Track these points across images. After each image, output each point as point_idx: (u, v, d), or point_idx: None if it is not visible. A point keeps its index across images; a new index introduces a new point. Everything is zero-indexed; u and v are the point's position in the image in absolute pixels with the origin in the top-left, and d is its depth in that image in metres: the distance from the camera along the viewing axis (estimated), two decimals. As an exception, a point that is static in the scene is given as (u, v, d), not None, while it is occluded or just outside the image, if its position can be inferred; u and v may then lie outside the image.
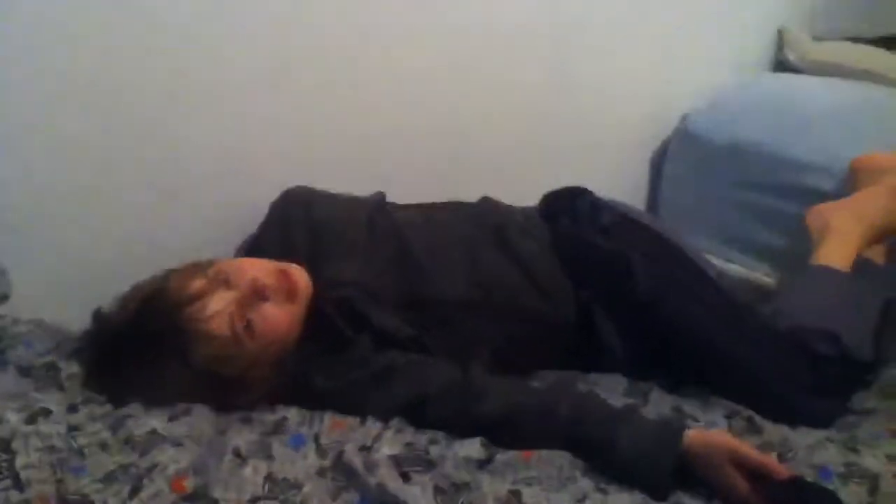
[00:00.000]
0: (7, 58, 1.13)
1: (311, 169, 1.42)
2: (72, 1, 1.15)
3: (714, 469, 0.89)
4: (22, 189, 1.19)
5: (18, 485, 0.75)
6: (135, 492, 0.80)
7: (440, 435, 0.99)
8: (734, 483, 0.87)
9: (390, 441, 0.96)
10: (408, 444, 0.96)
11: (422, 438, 0.98)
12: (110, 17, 1.20)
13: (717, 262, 1.48)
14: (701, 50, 1.98)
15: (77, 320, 1.11)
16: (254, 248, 1.25)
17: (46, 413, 0.83)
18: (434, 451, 0.94)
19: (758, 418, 1.05)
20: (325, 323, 1.12)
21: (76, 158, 1.23)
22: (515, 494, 0.88)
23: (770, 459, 0.91)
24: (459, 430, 0.99)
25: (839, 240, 1.36)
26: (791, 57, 2.09)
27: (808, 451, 0.97)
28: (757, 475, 0.87)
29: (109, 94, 1.23)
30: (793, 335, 1.13)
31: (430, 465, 0.92)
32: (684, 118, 1.89)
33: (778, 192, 1.68)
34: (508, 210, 1.33)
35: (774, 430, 1.02)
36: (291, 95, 1.42)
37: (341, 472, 0.91)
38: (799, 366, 1.10)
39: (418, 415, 1.02)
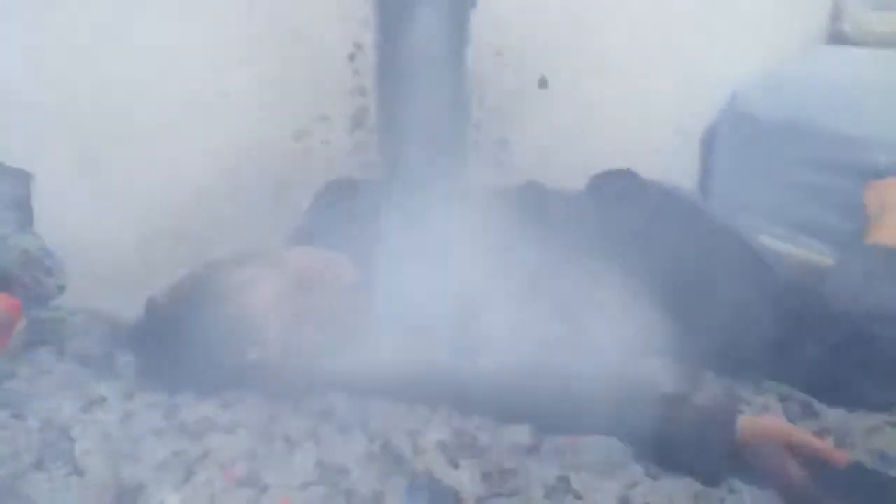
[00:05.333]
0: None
1: (355, 158, 1.42)
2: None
3: (768, 455, 0.87)
4: (75, 183, 1.22)
5: (79, 471, 0.77)
6: (188, 478, 0.81)
7: (488, 421, 0.99)
8: (789, 470, 0.85)
9: (438, 426, 0.96)
10: (456, 430, 0.96)
11: (469, 424, 0.98)
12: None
13: (771, 242, 1.44)
14: (751, 23, 1.92)
15: (132, 310, 1.13)
16: (299, 237, 1.25)
17: (102, 401, 0.85)
18: (482, 436, 0.94)
19: (814, 402, 1.02)
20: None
21: (125, 156, 1.26)
22: (564, 480, 0.87)
23: (827, 445, 0.89)
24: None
25: (899, 217, 1.32)
26: (847, 28, 2.01)
27: (867, 435, 0.94)
28: (814, 462, 0.85)
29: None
30: (848, 316, 1.09)
31: (477, 450, 0.92)
32: (734, 95, 1.84)
33: (833, 170, 1.62)
34: (554, 193, 1.31)
35: (831, 415, 1.00)
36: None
37: (389, 458, 0.91)
38: (855, 347, 1.07)
39: None
